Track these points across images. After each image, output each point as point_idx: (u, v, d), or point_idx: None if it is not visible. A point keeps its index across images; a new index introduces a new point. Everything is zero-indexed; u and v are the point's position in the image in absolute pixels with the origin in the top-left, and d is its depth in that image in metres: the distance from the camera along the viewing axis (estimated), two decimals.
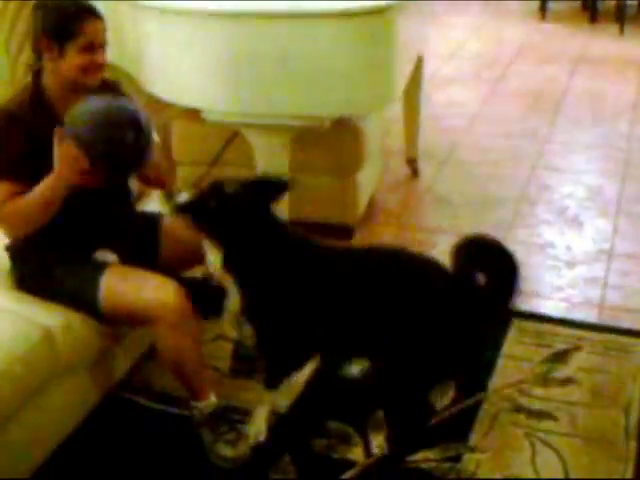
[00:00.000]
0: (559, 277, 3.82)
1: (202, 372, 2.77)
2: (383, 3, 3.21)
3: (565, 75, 6.60)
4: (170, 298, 2.58)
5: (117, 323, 2.74)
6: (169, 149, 4.05)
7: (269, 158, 3.50)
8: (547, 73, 6.68)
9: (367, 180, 4.10)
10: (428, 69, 6.39)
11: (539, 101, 6.03)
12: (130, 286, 2.64)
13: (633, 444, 2.82)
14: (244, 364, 3.10)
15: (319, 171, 3.90)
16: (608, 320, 3.50)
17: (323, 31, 3.19)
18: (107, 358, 2.90)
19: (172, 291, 2.60)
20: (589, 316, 3.53)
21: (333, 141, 3.81)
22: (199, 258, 2.77)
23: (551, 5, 8.42)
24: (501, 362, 3.21)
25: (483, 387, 3.08)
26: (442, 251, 3.89)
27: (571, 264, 3.92)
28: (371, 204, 4.27)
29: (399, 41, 3.35)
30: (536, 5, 8.51)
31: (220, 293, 2.85)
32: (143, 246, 2.90)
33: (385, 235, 4.12)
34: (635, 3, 8.30)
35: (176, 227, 2.85)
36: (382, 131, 4.48)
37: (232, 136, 3.84)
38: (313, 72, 3.26)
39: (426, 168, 4.84)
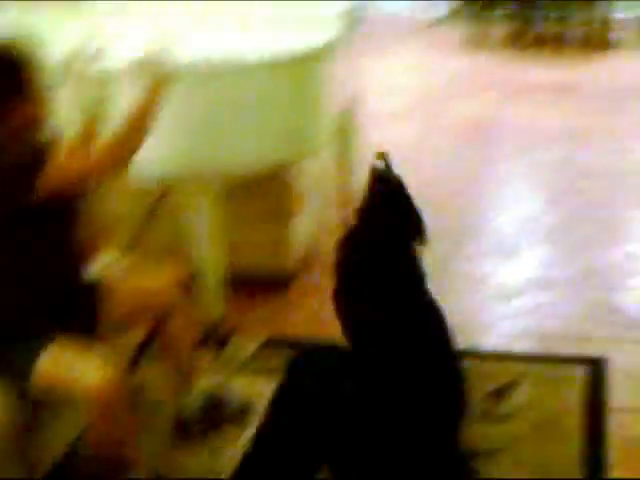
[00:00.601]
0: (499, 309, 3.84)
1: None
2: (308, 49, 3.22)
3: (498, 105, 6.66)
4: (101, 382, 2.51)
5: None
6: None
7: (201, 212, 3.48)
8: (481, 103, 6.74)
9: (303, 228, 4.10)
10: (364, 106, 6.47)
11: (474, 132, 6.09)
12: (63, 368, 2.56)
13: (579, 475, 2.83)
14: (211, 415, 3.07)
15: (252, 222, 3.89)
16: (549, 350, 3.53)
17: (249, 82, 3.21)
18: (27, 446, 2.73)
19: (105, 372, 2.53)
20: (530, 347, 3.55)
21: (265, 191, 3.81)
22: (143, 319, 2.79)
23: (484, 35, 8.50)
24: None
25: None
26: None
27: (510, 295, 3.94)
28: (308, 253, 4.26)
29: (327, 85, 3.35)
30: (469, 35, 8.60)
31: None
32: (82, 316, 2.86)
33: (323, 284, 4.10)
34: (560, 30, 8.44)
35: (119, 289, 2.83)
36: (316, 176, 4.48)
37: (163, 192, 3.82)
38: (242, 124, 3.27)
39: None
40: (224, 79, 3.24)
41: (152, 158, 3.26)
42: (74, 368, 2.56)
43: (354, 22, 3.98)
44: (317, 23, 3.71)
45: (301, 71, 3.30)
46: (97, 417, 2.53)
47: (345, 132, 4.48)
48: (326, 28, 3.63)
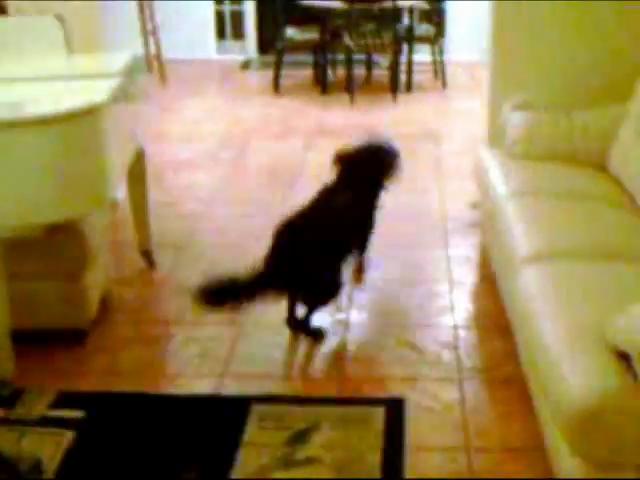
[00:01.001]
0: (295, 354, 3.82)
1: None
2: (86, 104, 3.16)
3: (300, 149, 6.74)
4: None
5: None
6: None
7: None
8: (283, 148, 6.80)
9: (96, 279, 3.98)
10: (164, 154, 6.42)
11: (276, 177, 6.12)
12: None
13: None
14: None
15: (40, 277, 3.74)
16: (349, 392, 3.53)
17: (19, 139, 3.11)
18: None
19: None
20: (329, 390, 3.54)
21: (51, 245, 3.67)
22: None
23: (283, 80, 8.59)
24: (242, 452, 3.15)
25: None
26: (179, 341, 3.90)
27: (306, 339, 3.93)
28: (105, 303, 4.14)
29: (110, 139, 3.30)
30: (269, 81, 8.69)
31: None
32: None
33: (122, 332, 4.01)
34: (362, 73, 8.67)
35: None
36: (108, 225, 4.37)
37: None
38: (16, 180, 3.16)
39: (163, 258, 4.76)
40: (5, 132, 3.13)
41: None
42: None
43: (138, 73, 3.97)
44: (96, 78, 3.75)
45: (79, 126, 3.24)
46: None
47: (136, 181, 4.42)
48: (105, 83, 3.62)
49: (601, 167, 4.25)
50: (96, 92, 3.41)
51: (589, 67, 4.68)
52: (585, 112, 4.45)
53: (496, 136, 4.87)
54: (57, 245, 3.68)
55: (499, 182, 4.19)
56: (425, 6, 8.69)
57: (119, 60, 3.97)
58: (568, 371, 2.62)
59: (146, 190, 4.53)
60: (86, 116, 3.21)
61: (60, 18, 4.14)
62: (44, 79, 3.85)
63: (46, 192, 3.21)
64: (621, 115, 4.21)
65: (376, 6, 8.17)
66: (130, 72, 3.89)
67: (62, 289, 3.79)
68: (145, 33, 8.71)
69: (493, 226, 4.00)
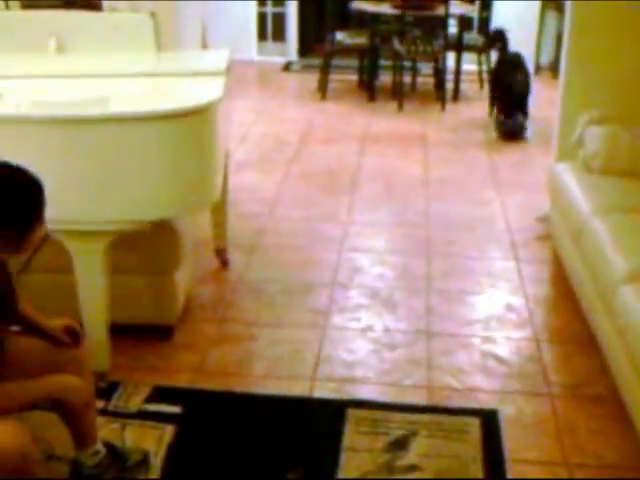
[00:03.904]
0: (383, 361, 3.84)
1: None
2: (203, 102, 3.18)
3: (353, 154, 6.76)
4: (11, 443, 2.37)
5: None
6: None
7: (87, 262, 3.36)
8: (335, 153, 6.82)
9: (183, 277, 4.01)
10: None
11: (333, 181, 6.14)
12: None
13: None
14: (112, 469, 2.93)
15: (136, 273, 3.78)
16: (438, 401, 3.55)
17: (141, 134, 3.13)
18: None
19: (13, 435, 2.39)
20: (419, 398, 3.56)
21: (150, 241, 3.69)
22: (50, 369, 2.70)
23: (330, 85, 8.62)
24: (343, 456, 3.17)
25: None
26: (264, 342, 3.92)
27: (392, 346, 3.95)
28: (187, 301, 4.16)
29: (218, 138, 3.32)
30: (314, 85, 8.72)
31: None
32: None
33: (206, 331, 4.03)
34: (409, 80, 8.69)
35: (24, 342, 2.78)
36: (192, 225, 4.40)
37: (41, 241, 3.66)
38: (131, 177, 3.21)
39: (235, 258, 4.79)
40: (119, 131, 3.17)
41: None
42: None
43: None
44: (207, 75, 3.78)
45: (197, 123, 3.26)
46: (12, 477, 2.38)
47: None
48: (215, 80, 3.67)
49: None
50: (210, 89, 3.46)
51: None
52: None
53: (567, 149, 4.89)
54: (153, 241, 3.69)
55: (582, 198, 4.21)
56: (474, 15, 8.72)
57: (222, 58, 3.99)
58: None
59: (227, 189, 4.54)
60: (204, 113, 3.24)
61: (153, 16, 4.15)
62: (157, 75, 3.92)
63: (164, 188, 3.24)
64: None
65: (427, 13, 8.20)
66: (229, 70, 3.91)
67: (154, 285, 3.82)
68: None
69: (579, 243, 4.01)
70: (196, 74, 3.82)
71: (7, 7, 5.07)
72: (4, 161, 2.55)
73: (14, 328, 2.86)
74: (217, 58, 4.02)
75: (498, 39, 7.62)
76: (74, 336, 2.94)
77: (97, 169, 3.19)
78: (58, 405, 2.69)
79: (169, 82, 3.81)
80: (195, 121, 3.21)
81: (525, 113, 7.23)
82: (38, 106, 3.42)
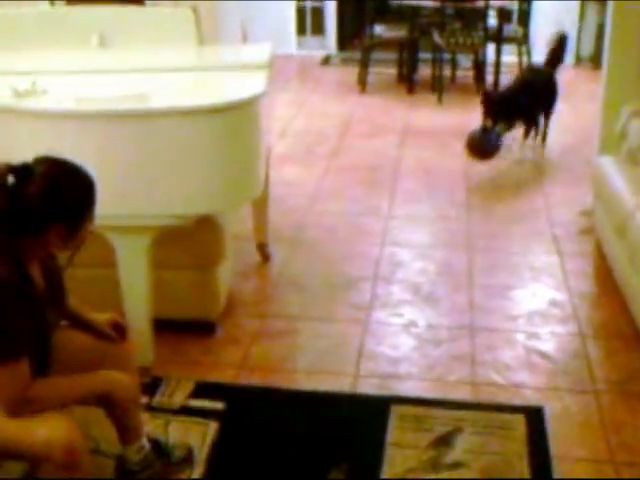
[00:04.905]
0: (427, 357, 3.81)
1: None
2: (247, 96, 3.17)
3: (393, 147, 6.73)
4: (60, 437, 2.39)
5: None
6: None
7: (132, 258, 3.38)
8: (376, 146, 6.80)
9: (225, 272, 4.01)
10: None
11: (374, 175, 6.12)
12: (18, 423, 2.42)
13: None
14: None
15: (179, 268, 3.78)
16: (483, 397, 3.52)
17: (185, 129, 3.13)
18: None
19: (63, 429, 2.41)
20: (463, 394, 3.54)
21: (194, 236, 3.68)
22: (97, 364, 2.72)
23: (369, 78, 8.59)
24: (387, 452, 3.16)
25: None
26: (307, 337, 3.91)
27: (435, 342, 3.92)
28: (229, 296, 4.16)
29: (261, 132, 3.32)
30: (354, 78, 8.69)
31: None
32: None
33: (249, 325, 4.03)
34: (449, 74, 8.64)
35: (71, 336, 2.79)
36: (234, 219, 4.40)
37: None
38: (176, 172, 3.21)
39: (276, 252, 4.78)
40: (165, 125, 3.17)
41: None
42: (30, 423, 2.42)
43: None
44: (249, 70, 3.77)
45: (241, 117, 3.26)
46: (59, 469, 2.38)
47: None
48: (258, 75, 3.66)
49: None
50: (253, 83, 3.46)
51: None
52: None
53: (609, 142, 4.84)
54: (196, 236, 3.69)
55: (626, 191, 4.16)
56: (514, 6, 8.64)
57: (265, 51, 3.99)
58: None
59: (268, 183, 4.53)
60: (247, 107, 3.24)
61: (195, 10, 4.15)
62: (200, 69, 3.96)
63: (208, 182, 3.24)
64: None
65: (467, 5, 8.14)
66: (271, 64, 3.90)
67: (196, 280, 3.82)
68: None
69: (624, 236, 3.96)
70: (239, 68, 3.81)
71: (52, 4, 5.10)
72: (63, 158, 2.56)
73: (62, 323, 2.86)
74: (260, 52, 4.03)
75: (559, 47, 6.88)
76: (120, 331, 2.96)
77: (142, 164, 3.19)
78: (104, 400, 2.70)
79: (212, 76, 3.81)
80: (239, 115, 3.20)
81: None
82: (82, 102, 3.43)
